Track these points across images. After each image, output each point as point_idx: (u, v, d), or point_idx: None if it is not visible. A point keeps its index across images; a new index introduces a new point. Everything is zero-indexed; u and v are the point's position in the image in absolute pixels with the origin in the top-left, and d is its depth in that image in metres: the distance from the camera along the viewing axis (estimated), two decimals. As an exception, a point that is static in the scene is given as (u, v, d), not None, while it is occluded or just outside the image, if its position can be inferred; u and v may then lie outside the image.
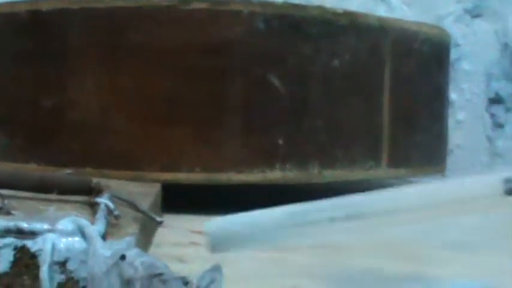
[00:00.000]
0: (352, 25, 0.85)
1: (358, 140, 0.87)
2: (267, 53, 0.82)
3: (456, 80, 1.23)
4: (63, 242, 0.44)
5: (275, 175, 0.82)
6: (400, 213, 0.46)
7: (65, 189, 0.61)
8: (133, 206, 0.57)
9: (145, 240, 0.59)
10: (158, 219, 0.58)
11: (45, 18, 0.85)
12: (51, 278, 0.43)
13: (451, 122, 1.12)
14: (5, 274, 0.44)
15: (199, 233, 0.71)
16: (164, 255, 0.56)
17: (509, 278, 0.58)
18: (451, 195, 0.42)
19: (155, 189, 0.74)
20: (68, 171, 0.79)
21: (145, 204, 0.62)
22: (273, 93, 0.82)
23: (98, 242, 0.44)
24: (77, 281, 0.44)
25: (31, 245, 0.44)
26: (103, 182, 0.62)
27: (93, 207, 0.57)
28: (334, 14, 0.85)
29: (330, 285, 0.53)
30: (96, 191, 0.59)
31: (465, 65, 1.25)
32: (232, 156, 0.81)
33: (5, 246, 0.44)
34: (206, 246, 0.45)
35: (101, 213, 0.50)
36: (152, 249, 0.61)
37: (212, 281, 0.38)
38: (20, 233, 0.45)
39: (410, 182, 1.16)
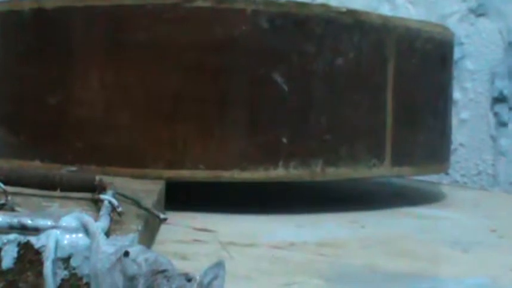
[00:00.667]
0: (355, 23, 0.85)
1: (362, 138, 0.87)
2: (271, 51, 0.82)
3: (460, 79, 1.23)
4: (66, 239, 0.44)
5: (278, 173, 0.82)
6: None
7: (68, 187, 0.61)
8: (137, 203, 0.57)
9: (148, 237, 0.60)
10: (161, 216, 0.58)
11: (49, 16, 0.86)
12: (54, 274, 0.44)
13: (454, 121, 1.12)
14: (9, 270, 0.44)
15: (203, 230, 0.72)
16: (167, 252, 0.57)
17: (507, 275, 0.59)
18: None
19: (159, 186, 0.74)
20: (72, 168, 0.79)
21: (148, 201, 0.62)
22: (277, 91, 0.82)
23: (101, 239, 0.44)
24: (81, 277, 0.44)
25: (35, 241, 0.45)
26: (106, 179, 0.62)
27: (97, 204, 0.57)
28: (338, 12, 0.85)
29: (328, 282, 0.53)
30: (100, 188, 0.59)
31: (469, 64, 1.24)
32: (236, 153, 0.81)
33: (9, 242, 0.44)
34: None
35: (104, 210, 0.51)
36: (155, 247, 0.61)
37: (215, 277, 0.38)
38: (23, 229, 0.45)
39: (414, 180, 1.17)
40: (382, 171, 0.90)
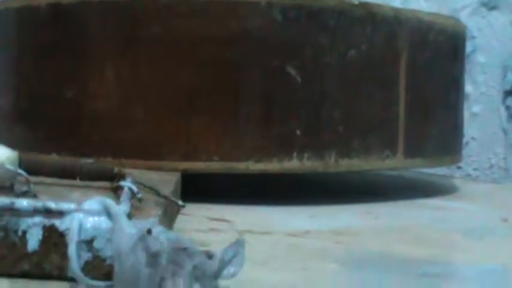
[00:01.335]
0: (368, 16, 0.86)
1: (375, 130, 0.88)
2: (284, 43, 0.83)
3: (472, 72, 1.24)
4: (89, 221, 0.45)
5: (292, 164, 0.83)
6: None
7: (88, 176, 0.62)
8: (155, 191, 0.59)
9: (167, 225, 0.61)
10: (180, 203, 0.59)
11: (66, 11, 0.87)
12: (78, 256, 0.45)
13: (466, 115, 1.12)
14: (35, 252, 0.46)
15: (219, 220, 0.73)
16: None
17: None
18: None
19: (175, 177, 0.75)
20: (89, 161, 0.80)
21: (166, 190, 0.63)
22: (291, 83, 0.83)
23: (124, 221, 0.45)
24: (104, 259, 0.45)
25: (59, 224, 0.46)
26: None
27: (116, 192, 0.58)
28: (351, 5, 0.85)
29: (344, 267, 0.54)
30: (119, 177, 0.61)
31: (481, 58, 1.25)
32: (251, 145, 0.82)
33: (34, 225, 0.46)
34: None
35: (125, 196, 0.52)
36: (173, 234, 0.62)
37: (235, 255, 0.39)
38: (48, 212, 0.46)
39: (426, 174, 1.17)
40: (394, 163, 0.90)
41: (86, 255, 0.45)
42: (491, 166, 1.25)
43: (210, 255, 0.38)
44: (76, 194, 0.57)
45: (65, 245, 0.45)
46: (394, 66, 0.90)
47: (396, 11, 0.91)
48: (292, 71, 0.83)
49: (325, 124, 0.85)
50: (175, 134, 0.82)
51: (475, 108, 1.26)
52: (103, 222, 0.46)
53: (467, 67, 1.10)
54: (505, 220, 0.80)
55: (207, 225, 0.70)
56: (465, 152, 1.15)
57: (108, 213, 0.46)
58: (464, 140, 1.12)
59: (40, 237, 0.46)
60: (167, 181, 0.71)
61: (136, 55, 0.84)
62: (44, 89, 0.89)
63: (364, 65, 0.87)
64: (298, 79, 0.83)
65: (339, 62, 0.85)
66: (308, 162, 0.83)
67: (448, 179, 1.20)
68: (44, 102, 0.89)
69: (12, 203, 0.46)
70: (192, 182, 0.81)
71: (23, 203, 0.46)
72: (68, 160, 0.67)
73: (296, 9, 0.83)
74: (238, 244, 0.39)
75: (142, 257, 0.40)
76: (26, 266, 0.46)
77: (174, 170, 0.80)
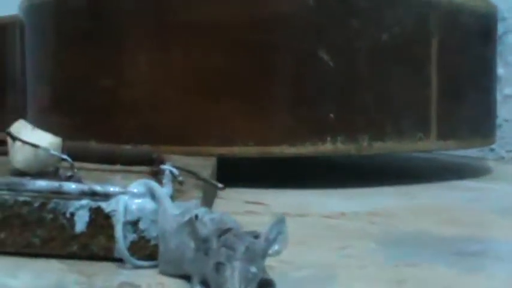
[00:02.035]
0: (399, -1, 0.87)
1: (407, 113, 0.89)
2: (316, 27, 0.84)
3: (503, 54, 1.23)
4: (134, 203, 0.47)
5: (326, 147, 0.84)
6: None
7: (128, 161, 0.64)
8: (195, 174, 0.60)
9: (206, 207, 0.62)
10: (219, 185, 0.60)
11: (100, 0, 0.88)
12: (124, 237, 0.46)
13: (498, 97, 1.12)
14: (82, 234, 0.47)
15: (255, 203, 0.74)
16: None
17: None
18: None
19: (211, 161, 0.77)
20: (127, 147, 0.82)
21: (204, 173, 0.64)
22: (323, 67, 0.84)
23: (167, 202, 0.47)
24: (149, 240, 0.47)
25: (105, 206, 0.47)
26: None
27: (156, 176, 0.59)
28: (382, -12, 0.86)
29: (381, 246, 0.55)
30: (158, 162, 0.62)
31: (512, 39, 1.24)
32: (285, 129, 0.83)
33: (81, 207, 0.47)
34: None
35: (166, 179, 0.53)
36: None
37: (280, 233, 0.40)
38: (94, 195, 0.48)
39: (460, 157, 1.17)
40: (428, 145, 0.91)
41: (132, 236, 0.47)
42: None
43: (255, 235, 0.40)
44: (117, 178, 0.58)
45: (111, 227, 0.47)
46: (425, 49, 0.90)
47: (427, -7, 0.91)
48: (324, 55, 0.83)
49: (357, 108, 0.85)
50: (210, 120, 0.83)
51: (507, 90, 1.26)
52: (148, 203, 0.47)
53: (499, 49, 1.09)
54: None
55: (243, 207, 0.71)
56: (498, 134, 1.15)
57: (152, 195, 0.47)
58: (497, 122, 1.12)
59: (87, 219, 0.47)
60: (204, 165, 0.73)
61: (170, 41, 0.85)
62: (80, 78, 0.90)
63: (396, 47, 0.87)
64: (331, 63, 0.84)
65: (370, 46, 0.85)
66: (341, 146, 0.84)
67: (481, 161, 1.20)
68: (81, 90, 0.90)
69: (61, 186, 0.48)
70: (226, 167, 0.82)
71: (71, 186, 0.48)
72: (108, 146, 0.68)
73: (328, -7, 0.83)
74: (281, 222, 0.40)
75: (188, 240, 0.41)
76: (74, 247, 0.47)
77: (210, 155, 0.82)
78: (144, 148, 0.80)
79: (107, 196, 0.47)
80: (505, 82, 1.25)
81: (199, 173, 0.60)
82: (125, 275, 0.45)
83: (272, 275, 0.40)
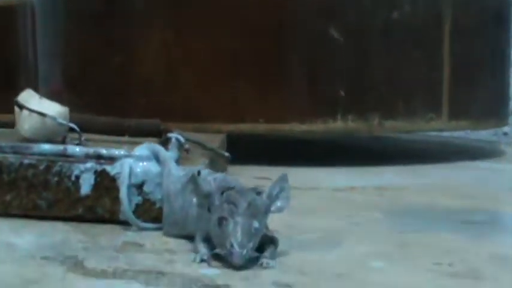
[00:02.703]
0: (411, -24, 0.86)
1: (419, 92, 0.88)
2: (327, 6, 0.83)
3: (517, 37, 1.22)
4: (139, 166, 0.47)
5: (337, 125, 0.83)
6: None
7: (136, 132, 0.64)
8: (201, 145, 0.60)
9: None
10: (226, 154, 0.60)
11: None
12: (129, 200, 0.46)
13: (512, 81, 1.11)
14: (87, 196, 0.47)
15: (264, 178, 0.74)
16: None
17: None
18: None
19: (220, 137, 0.77)
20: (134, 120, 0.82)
21: (212, 144, 0.64)
22: (334, 45, 0.83)
23: (172, 165, 0.47)
24: (154, 202, 0.47)
25: (110, 169, 0.47)
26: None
27: (163, 147, 0.59)
28: (393, -35, 0.85)
29: (387, 216, 0.55)
30: (165, 133, 0.62)
31: (526, 22, 1.23)
32: (295, 107, 0.83)
33: (86, 170, 0.47)
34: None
35: (172, 145, 0.53)
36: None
37: (282, 190, 0.40)
38: (99, 158, 0.48)
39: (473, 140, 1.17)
40: (439, 125, 0.90)
41: (137, 199, 0.47)
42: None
43: (258, 192, 0.40)
44: (124, 148, 0.58)
45: (116, 189, 0.47)
46: (438, 29, 0.89)
47: (440, -29, 0.91)
48: (335, 33, 0.83)
49: (368, 86, 0.85)
50: (221, 97, 0.83)
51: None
52: (152, 166, 0.47)
53: (512, 32, 1.08)
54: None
55: (252, 182, 0.70)
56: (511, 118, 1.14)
57: (157, 159, 0.47)
58: (511, 106, 1.11)
59: (92, 181, 0.47)
60: (213, 139, 0.73)
61: (182, 21, 0.85)
62: (93, 55, 0.91)
63: (407, 26, 0.86)
64: (342, 41, 0.83)
65: (382, 24, 0.85)
66: (352, 124, 0.84)
67: (494, 144, 1.19)
68: (93, 69, 0.90)
69: (65, 149, 0.48)
70: (238, 145, 0.82)
71: (75, 149, 0.48)
72: (116, 118, 0.68)
73: (338, -31, 0.83)
74: (283, 180, 0.40)
75: (191, 198, 0.41)
76: (79, 210, 0.47)
77: (220, 132, 0.81)
78: (152, 120, 0.80)
79: (111, 159, 0.47)
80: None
81: (205, 142, 0.60)
82: (129, 236, 0.45)
83: (279, 237, 0.40)
